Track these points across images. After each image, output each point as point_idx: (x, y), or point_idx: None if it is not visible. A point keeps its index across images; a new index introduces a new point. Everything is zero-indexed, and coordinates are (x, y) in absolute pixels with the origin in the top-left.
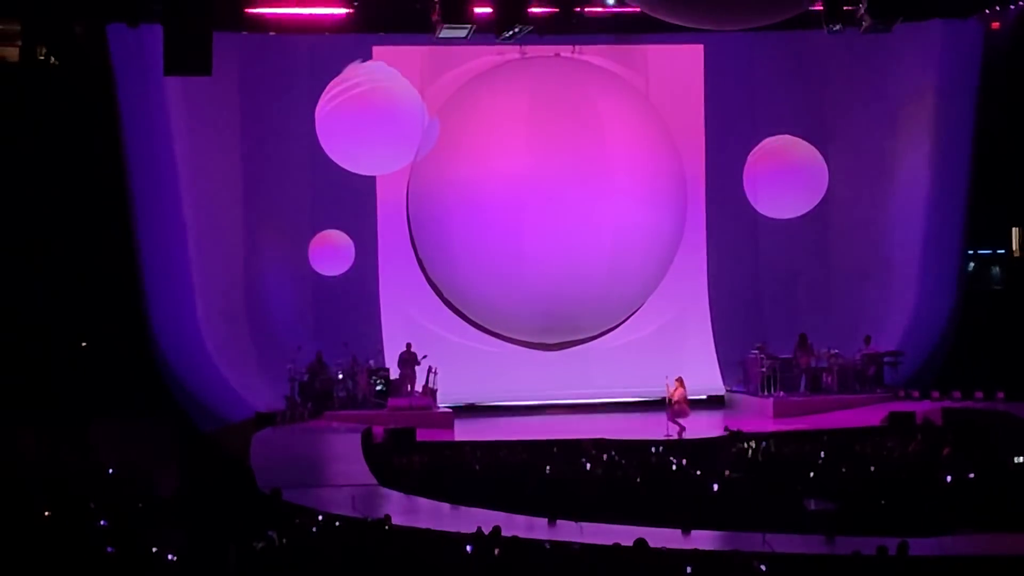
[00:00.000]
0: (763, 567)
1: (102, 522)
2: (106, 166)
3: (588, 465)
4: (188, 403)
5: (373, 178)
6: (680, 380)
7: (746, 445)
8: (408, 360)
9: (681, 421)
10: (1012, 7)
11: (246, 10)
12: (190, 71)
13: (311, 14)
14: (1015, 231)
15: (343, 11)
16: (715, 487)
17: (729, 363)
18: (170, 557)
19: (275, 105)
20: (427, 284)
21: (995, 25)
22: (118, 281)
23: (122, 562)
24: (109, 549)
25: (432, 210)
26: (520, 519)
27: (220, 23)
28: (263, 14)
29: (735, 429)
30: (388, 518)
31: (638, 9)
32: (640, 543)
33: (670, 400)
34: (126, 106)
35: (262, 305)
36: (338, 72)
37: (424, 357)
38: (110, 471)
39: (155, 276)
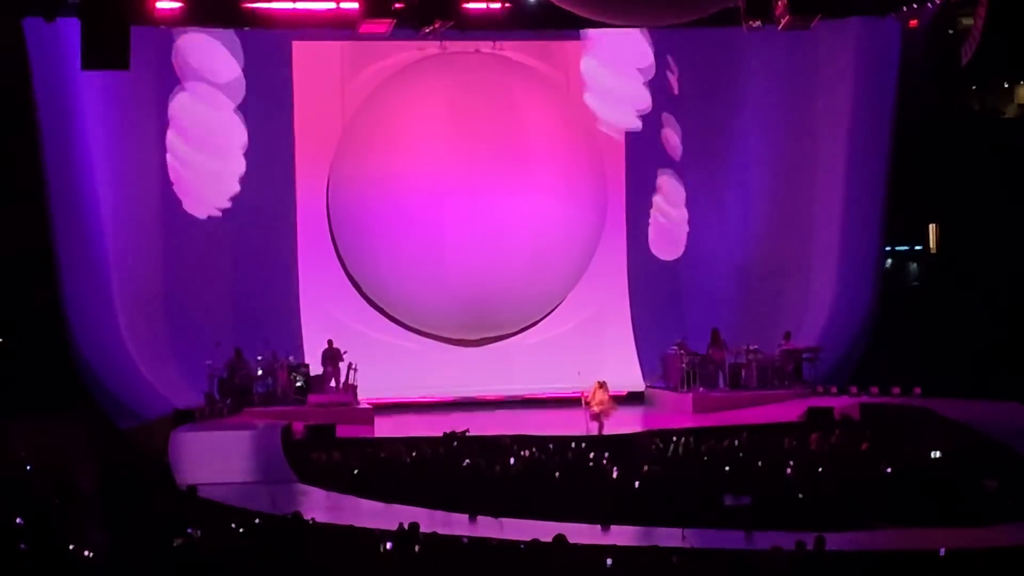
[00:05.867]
0: (675, 559)
1: (18, 520)
2: (22, 161)
3: (509, 461)
4: (106, 400)
5: (292, 172)
6: (601, 384)
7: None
8: (331, 356)
9: (605, 422)
10: (929, 5)
11: (158, 5)
12: (108, 65)
13: None
14: (932, 228)
15: (263, 6)
16: (635, 483)
17: (649, 359)
18: (87, 554)
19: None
20: (347, 280)
21: (913, 23)
22: (34, 277)
23: (37, 559)
24: (22, 546)
25: (352, 206)
26: (440, 515)
27: (137, 17)
28: (180, 8)
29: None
30: (299, 514)
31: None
32: (559, 539)
33: (587, 403)
34: (43, 101)
35: (181, 301)
36: (258, 65)
37: (345, 353)
38: (28, 468)
39: (72, 272)
